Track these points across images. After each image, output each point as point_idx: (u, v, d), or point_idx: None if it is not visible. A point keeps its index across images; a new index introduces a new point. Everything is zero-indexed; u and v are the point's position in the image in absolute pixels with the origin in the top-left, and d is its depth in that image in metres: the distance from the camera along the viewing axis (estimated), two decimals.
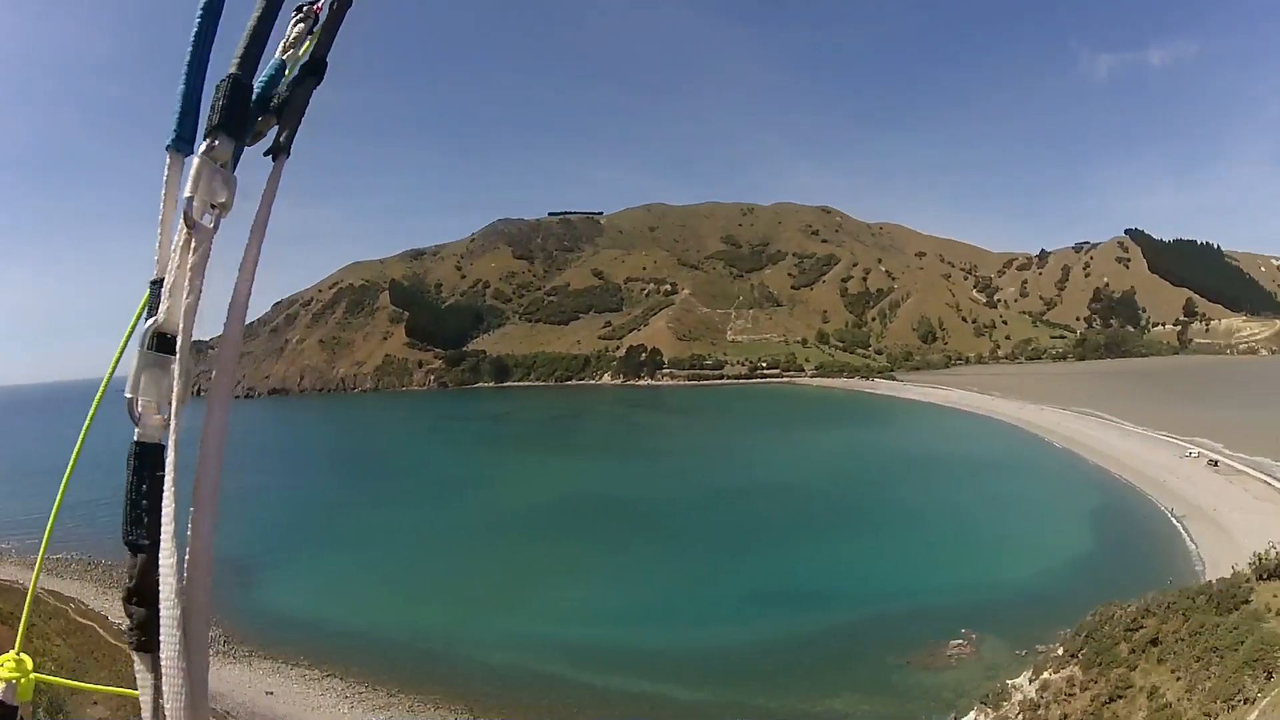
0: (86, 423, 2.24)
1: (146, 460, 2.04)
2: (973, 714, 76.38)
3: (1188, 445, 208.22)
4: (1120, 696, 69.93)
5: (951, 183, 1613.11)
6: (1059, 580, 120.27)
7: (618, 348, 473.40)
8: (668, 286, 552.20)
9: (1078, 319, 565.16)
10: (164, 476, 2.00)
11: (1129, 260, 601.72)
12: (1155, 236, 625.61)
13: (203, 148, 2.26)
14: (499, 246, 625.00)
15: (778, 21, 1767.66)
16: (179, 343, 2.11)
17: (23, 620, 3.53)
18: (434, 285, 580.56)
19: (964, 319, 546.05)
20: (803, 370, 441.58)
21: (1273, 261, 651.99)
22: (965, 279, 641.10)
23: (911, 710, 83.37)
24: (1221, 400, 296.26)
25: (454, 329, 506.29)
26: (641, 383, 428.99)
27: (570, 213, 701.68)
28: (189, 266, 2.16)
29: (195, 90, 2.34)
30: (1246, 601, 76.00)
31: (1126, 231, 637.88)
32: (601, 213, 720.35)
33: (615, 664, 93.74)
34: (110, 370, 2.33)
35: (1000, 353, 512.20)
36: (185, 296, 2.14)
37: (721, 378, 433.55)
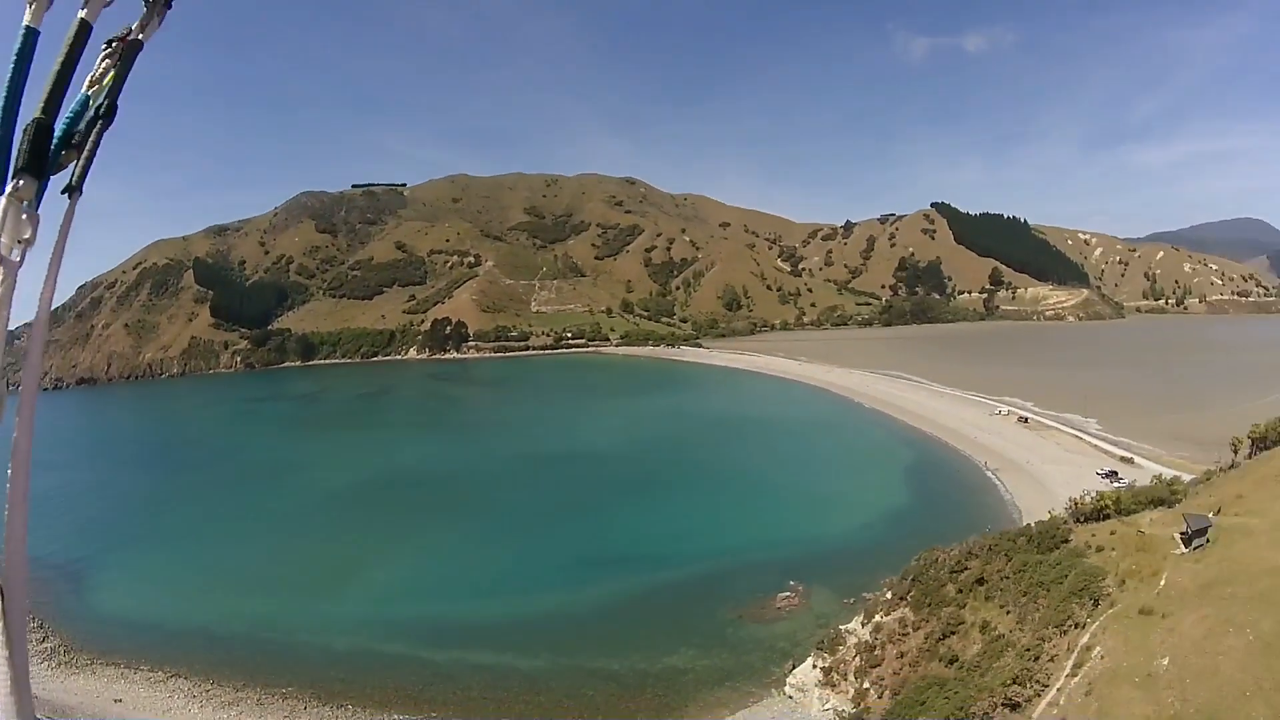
0: None
1: None
2: (810, 660, 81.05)
3: (997, 404, 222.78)
4: (953, 632, 71.20)
5: (759, 155, 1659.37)
6: (879, 532, 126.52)
7: (423, 321, 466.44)
8: (472, 258, 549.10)
9: (883, 287, 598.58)
10: None
11: (934, 231, 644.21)
12: (962, 210, 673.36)
13: (9, 188, 2.74)
14: (302, 220, 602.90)
15: None
16: None
17: None
18: (238, 262, 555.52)
19: (769, 287, 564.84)
20: (608, 340, 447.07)
21: (1080, 236, 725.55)
22: (770, 249, 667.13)
23: (749, 661, 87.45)
24: (1029, 362, 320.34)
25: (259, 307, 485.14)
26: (448, 356, 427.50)
27: (374, 185, 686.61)
28: None
29: (6, 134, 2.82)
30: (1066, 541, 79.48)
31: (933, 204, 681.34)
32: (405, 185, 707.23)
33: (455, 638, 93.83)
34: None
35: (806, 320, 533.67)
36: None
37: (527, 349, 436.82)
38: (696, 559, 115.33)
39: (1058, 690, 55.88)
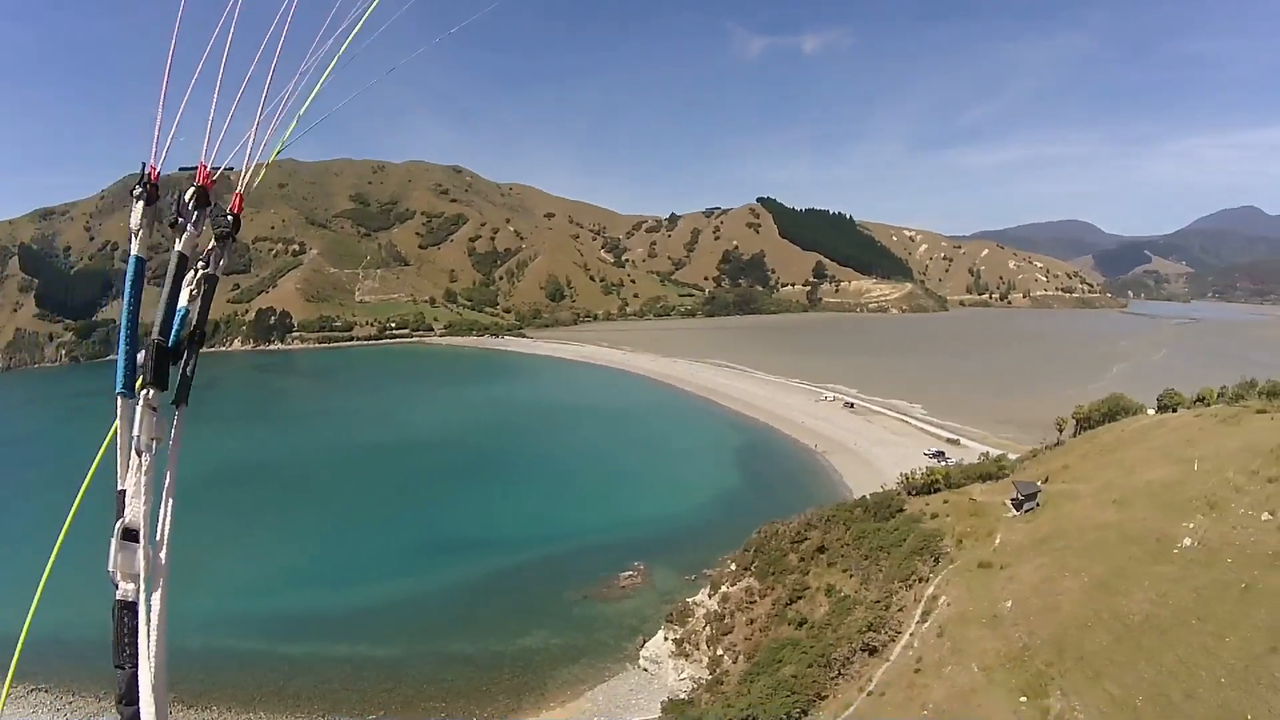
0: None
1: (125, 612, 3.45)
2: (660, 633, 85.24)
3: (823, 391, 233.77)
4: (799, 597, 75.57)
5: (586, 147, 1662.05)
6: (714, 512, 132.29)
7: (247, 311, 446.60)
8: (296, 246, 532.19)
9: (706, 279, 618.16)
10: (139, 624, 3.38)
11: (759, 225, 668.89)
12: (788, 205, 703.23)
13: (143, 398, 3.76)
14: (130, 204, 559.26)
15: None
16: (141, 537, 3.54)
17: (8, 680, 4.39)
18: (63, 249, 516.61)
19: (592, 278, 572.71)
20: (432, 329, 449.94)
21: (906, 232, 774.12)
22: (594, 240, 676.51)
23: (601, 639, 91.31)
24: (853, 351, 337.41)
25: (84, 297, 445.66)
26: (273, 347, 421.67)
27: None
28: (143, 484, 3.64)
29: (132, 350, 3.84)
30: (901, 510, 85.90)
31: (759, 199, 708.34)
32: (233, 168, 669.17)
33: (310, 631, 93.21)
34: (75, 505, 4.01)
35: (629, 310, 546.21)
36: (143, 504, 3.62)
37: (351, 339, 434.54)
38: (538, 543, 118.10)
39: (910, 635, 60.63)
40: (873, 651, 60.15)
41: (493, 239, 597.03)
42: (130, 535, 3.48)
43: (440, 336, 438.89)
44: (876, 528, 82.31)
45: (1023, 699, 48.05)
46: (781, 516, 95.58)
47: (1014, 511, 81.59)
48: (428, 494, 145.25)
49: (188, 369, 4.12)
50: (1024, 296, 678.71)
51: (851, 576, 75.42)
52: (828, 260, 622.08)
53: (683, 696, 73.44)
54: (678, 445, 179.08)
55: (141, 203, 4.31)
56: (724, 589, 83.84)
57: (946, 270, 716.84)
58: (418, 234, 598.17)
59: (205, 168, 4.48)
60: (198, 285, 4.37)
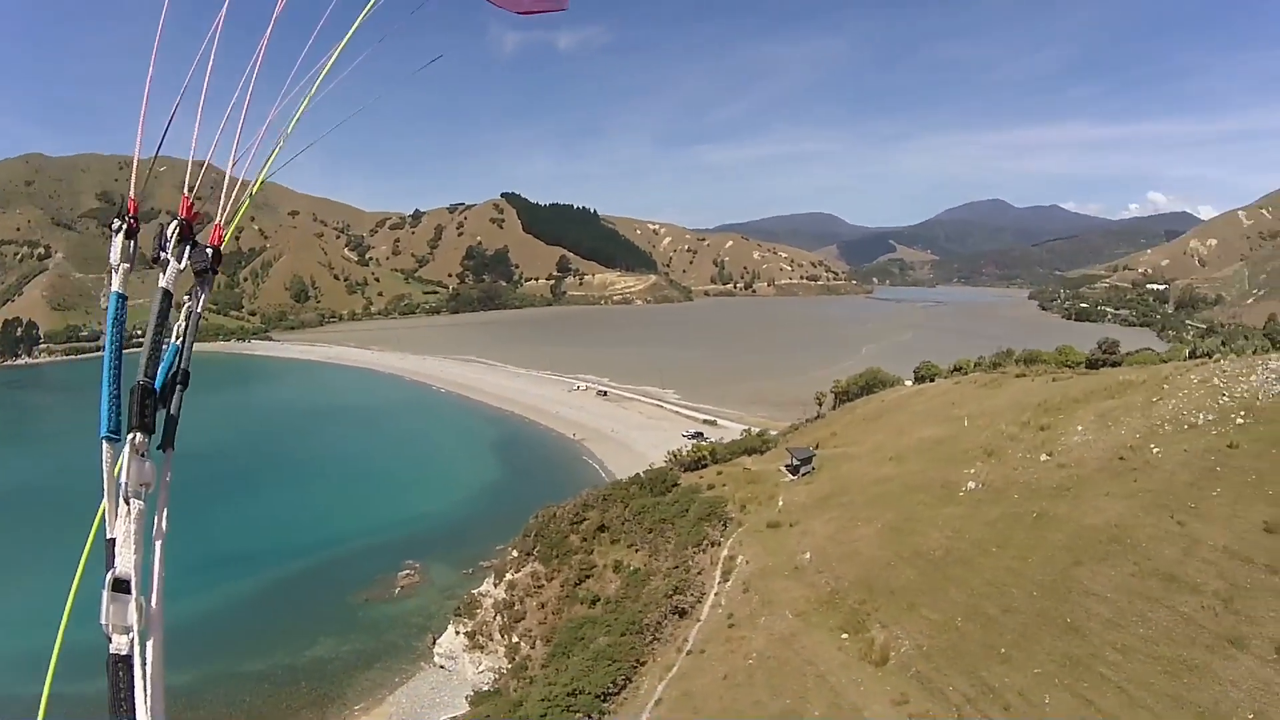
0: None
1: (119, 666, 3.32)
2: (451, 628, 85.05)
3: (575, 381, 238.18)
4: (588, 576, 76.81)
5: (331, 141, 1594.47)
6: (480, 505, 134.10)
7: None
8: (41, 250, 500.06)
9: (450, 275, 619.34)
10: (134, 677, 3.28)
11: (503, 220, 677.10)
12: (532, 200, 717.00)
13: (129, 443, 3.61)
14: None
15: None
16: (133, 587, 3.44)
17: (44, 698, 4.02)
18: None
19: (337, 277, 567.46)
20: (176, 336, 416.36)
21: (650, 226, 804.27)
22: (338, 238, 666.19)
23: (390, 640, 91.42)
24: (602, 342, 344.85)
25: None
26: (20, 361, 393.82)
27: None
28: (132, 532, 3.53)
29: (115, 394, 3.65)
30: (676, 484, 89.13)
31: (503, 194, 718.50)
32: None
33: (85, 665, 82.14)
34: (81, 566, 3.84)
35: (374, 309, 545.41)
36: (133, 553, 3.50)
37: (99, 350, 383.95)
38: (310, 549, 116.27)
39: (716, 594, 62.63)
40: (682, 614, 61.66)
41: (237, 238, 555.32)
42: (121, 586, 3.41)
43: None
44: (656, 502, 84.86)
45: (844, 635, 50.83)
46: (545, 502, 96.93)
47: (791, 476, 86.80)
48: (190, 508, 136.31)
49: (173, 410, 3.97)
50: (769, 285, 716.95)
51: (638, 551, 77.09)
52: (572, 254, 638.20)
53: (486, 688, 73.78)
54: (436, 441, 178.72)
55: (120, 236, 4.06)
56: (509, 576, 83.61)
57: (691, 262, 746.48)
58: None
59: (188, 200, 4.38)
60: (183, 322, 4.25)
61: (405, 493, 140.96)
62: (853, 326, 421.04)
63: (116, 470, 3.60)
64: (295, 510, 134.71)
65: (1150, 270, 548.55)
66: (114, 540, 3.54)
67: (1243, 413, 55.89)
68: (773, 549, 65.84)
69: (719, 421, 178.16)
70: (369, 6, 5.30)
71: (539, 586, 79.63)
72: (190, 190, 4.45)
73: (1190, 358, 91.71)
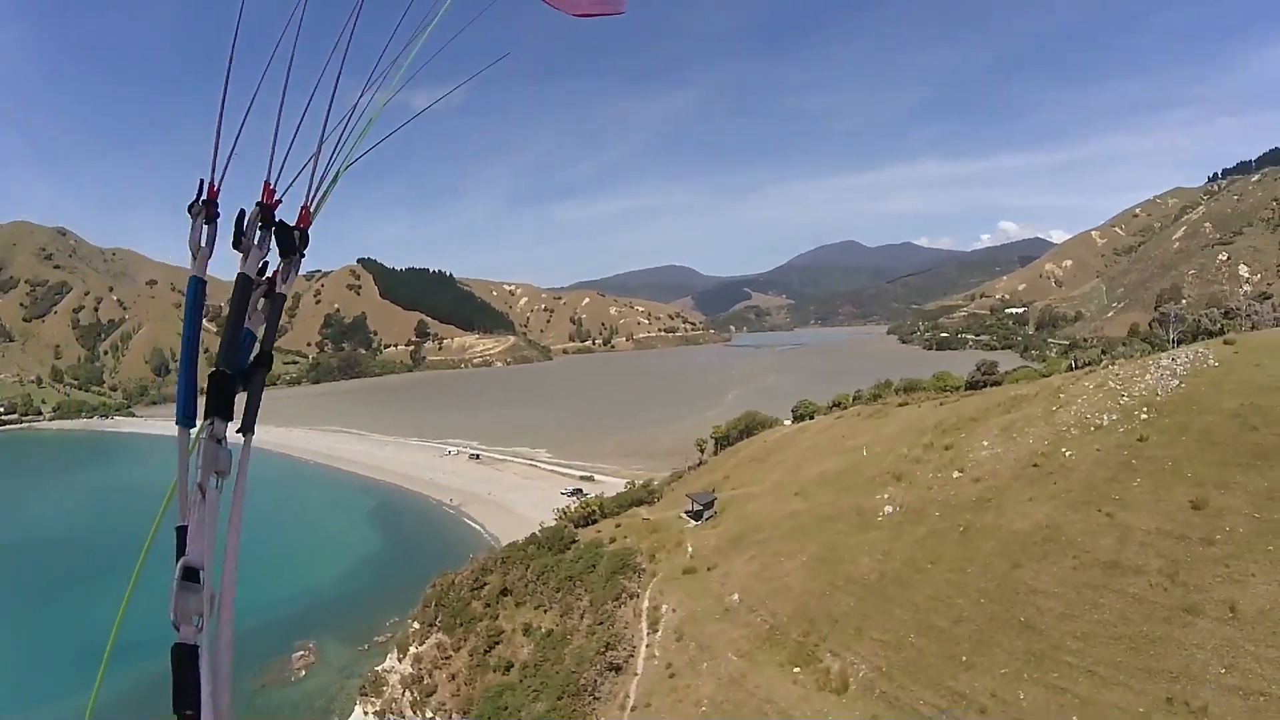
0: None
1: (185, 656, 3.23)
2: (358, 708, 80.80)
3: (445, 446, 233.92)
4: (497, 643, 73.54)
5: (182, 206, 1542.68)
6: (364, 579, 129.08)
7: None
8: None
9: (309, 344, 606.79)
10: (200, 670, 3.21)
11: (360, 287, 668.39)
12: (388, 265, 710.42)
13: (207, 430, 3.56)
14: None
15: None
16: (204, 576, 3.36)
17: (93, 694, 4.12)
18: None
19: None
20: (40, 414, 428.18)
21: (506, 286, 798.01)
22: None
23: None
24: (467, 406, 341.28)
25: None
26: None
27: None
28: (205, 519, 3.46)
29: (191, 381, 3.67)
30: (574, 541, 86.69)
31: (359, 260, 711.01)
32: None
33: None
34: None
35: None
36: (204, 541, 3.41)
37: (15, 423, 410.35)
38: None
39: (647, 646, 60.58)
40: (617, 669, 59.37)
41: (96, 309, 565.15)
42: (191, 575, 3.35)
43: (50, 421, 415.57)
44: (557, 560, 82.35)
45: (795, 669, 49.97)
46: (431, 571, 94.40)
47: (693, 522, 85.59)
48: (55, 599, 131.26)
49: (255, 396, 3.94)
50: (627, 340, 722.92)
51: (547, 611, 74.28)
52: (430, 319, 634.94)
53: None
54: (312, 515, 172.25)
55: (200, 220, 3.95)
56: (414, 649, 79.56)
57: (548, 321, 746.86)
58: (22, 304, 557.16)
59: (269, 186, 4.17)
60: (265, 307, 4.14)
61: (286, 569, 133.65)
62: (715, 374, 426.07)
63: (190, 456, 3.60)
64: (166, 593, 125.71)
65: (1008, 295, 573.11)
66: (185, 528, 3.45)
67: (1145, 409, 58.85)
68: (696, 594, 64.52)
69: (596, 476, 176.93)
70: None
71: (446, 657, 75.77)
72: (272, 177, 4.13)
73: (1073, 369, 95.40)
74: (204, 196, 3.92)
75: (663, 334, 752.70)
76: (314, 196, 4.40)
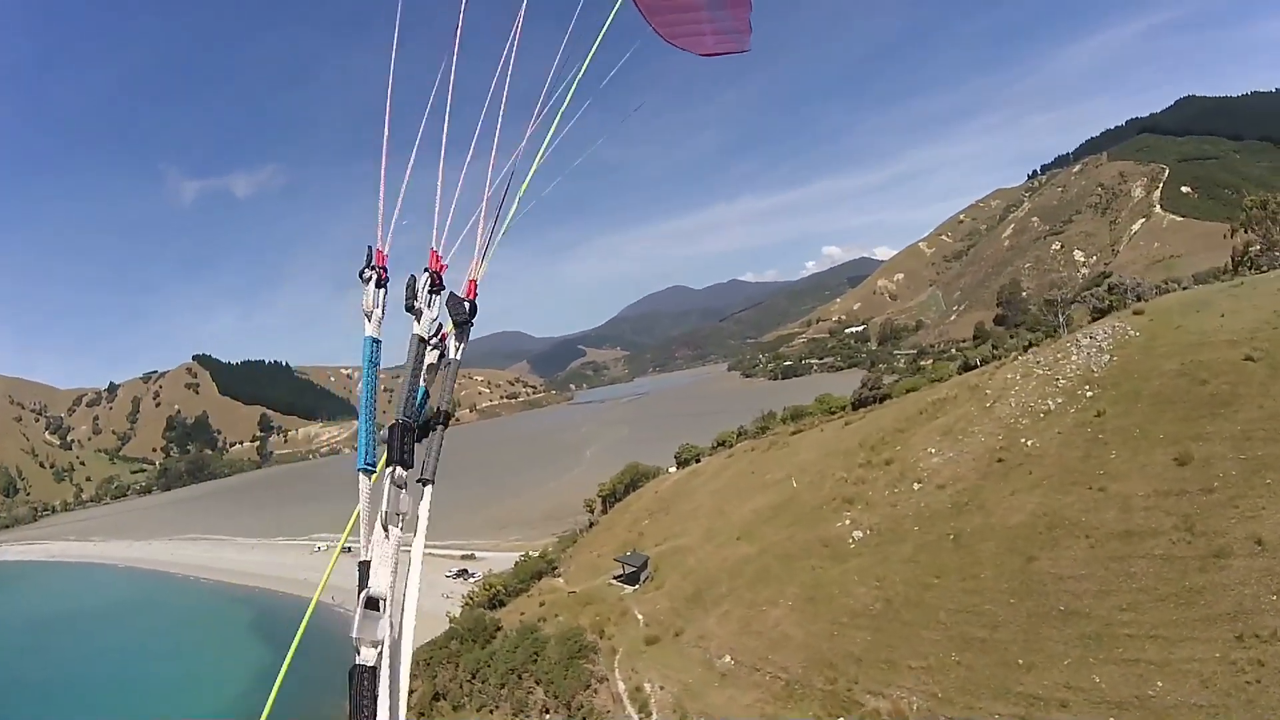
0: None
1: (365, 677, 3.48)
2: None
3: (314, 542, 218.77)
4: None
5: (18, 314, 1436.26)
6: (257, 700, 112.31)
7: None
8: None
9: (154, 449, 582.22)
10: (378, 692, 3.46)
11: (199, 385, 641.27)
12: (223, 360, 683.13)
13: (390, 475, 3.87)
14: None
15: None
16: (386, 606, 3.61)
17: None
18: None
19: (42, 465, 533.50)
20: None
21: (342, 371, 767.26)
22: (37, 420, 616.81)
23: None
24: (325, 497, 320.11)
25: None
26: None
27: None
28: (389, 556, 3.74)
29: (371, 430, 3.99)
30: (499, 628, 79.15)
31: (195, 357, 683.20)
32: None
33: None
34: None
35: (85, 496, 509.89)
36: (388, 577, 3.69)
37: None
38: None
39: None
40: None
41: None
42: (373, 604, 3.64)
43: None
44: (489, 652, 74.50)
45: (841, 718, 47.13)
46: (333, 676, 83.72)
47: (629, 586, 79.48)
48: None
49: (435, 448, 4.31)
50: (470, 411, 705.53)
51: (494, 711, 65.94)
52: (272, 411, 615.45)
53: None
54: (189, 635, 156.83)
55: (371, 285, 4.37)
56: None
57: (389, 401, 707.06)
58: None
59: (436, 253, 4.68)
60: (439, 369, 4.60)
61: (178, 699, 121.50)
62: (567, 434, 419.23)
63: (373, 499, 3.88)
64: None
65: (844, 316, 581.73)
66: (368, 563, 3.76)
67: (1086, 386, 59.64)
68: (676, 665, 59.09)
69: (476, 554, 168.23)
70: (587, 56, 5.50)
71: None
72: (438, 243, 4.67)
73: (966, 369, 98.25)
74: (373, 262, 4.33)
75: (505, 400, 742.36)
76: (478, 265, 4.82)
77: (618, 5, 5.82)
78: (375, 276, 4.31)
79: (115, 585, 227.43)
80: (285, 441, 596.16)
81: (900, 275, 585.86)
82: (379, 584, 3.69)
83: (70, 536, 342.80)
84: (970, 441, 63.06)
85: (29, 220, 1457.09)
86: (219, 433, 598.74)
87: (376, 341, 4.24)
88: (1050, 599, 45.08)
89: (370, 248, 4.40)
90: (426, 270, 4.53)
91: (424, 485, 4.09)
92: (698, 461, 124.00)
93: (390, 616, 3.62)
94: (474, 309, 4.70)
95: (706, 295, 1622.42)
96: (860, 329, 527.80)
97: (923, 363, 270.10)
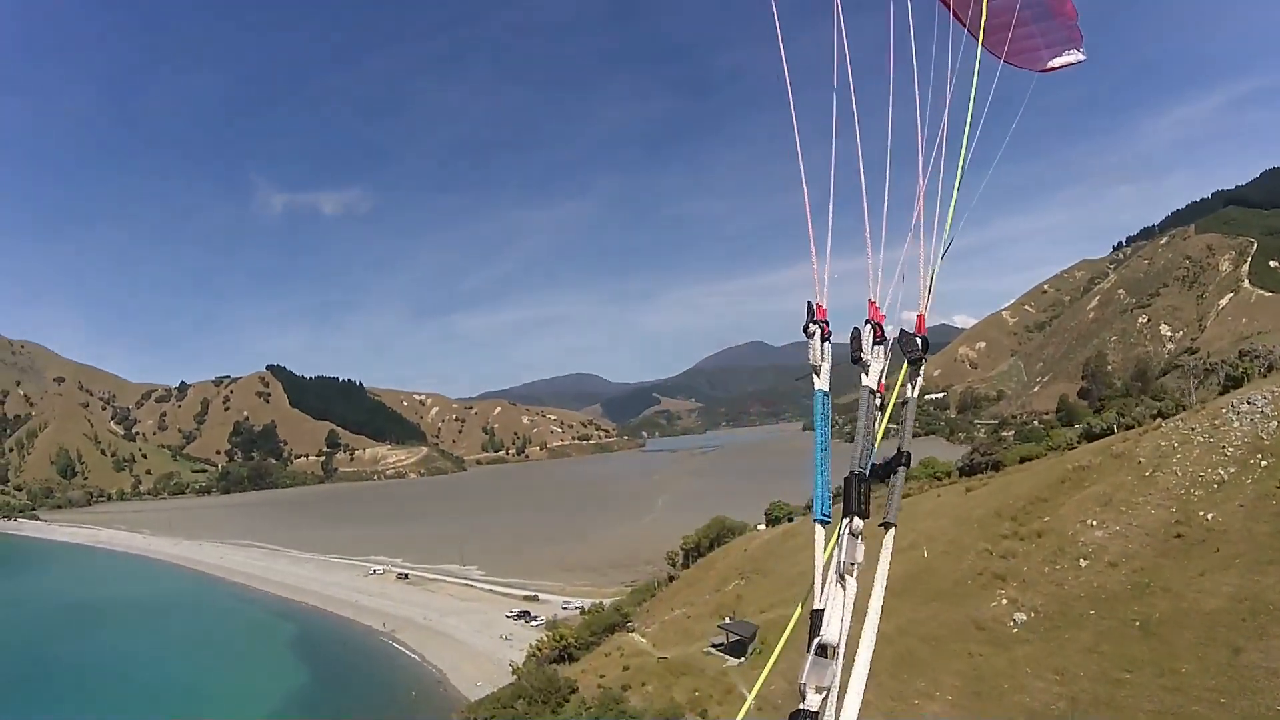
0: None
1: None
2: None
3: (369, 564, 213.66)
4: None
5: (98, 307, 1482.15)
6: None
7: None
8: None
9: (218, 452, 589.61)
10: None
11: (269, 394, 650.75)
12: (297, 373, 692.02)
13: (847, 525, 4.01)
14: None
15: None
16: (836, 653, 3.64)
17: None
18: None
19: (104, 452, 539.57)
20: None
21: (416, 396, 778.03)
22: (104, 409, 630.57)
23: None
24: (384, 520, 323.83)
25: None
26: None
27: None
28: (841, 605, 3.79)
29: (827, 482, 4.14)
30: (574, 690, 69.50)
31: (269, 367, 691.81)
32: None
33: None
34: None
35: (143, 488, 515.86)
36: (839, 624, 3.73)
37: None
38: None
39: None
40: None
41: (2, 403, 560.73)
42: (824, 652, 3.66)
43: None
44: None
45: None
46: (367, 712, 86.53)
47: (732, 659, 70.06)
48: None
49: (894, 492, 4.34)
50: (541, 449, 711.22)
51: None
52: (340, 429, 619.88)
53: None
54: (226, 644, 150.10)
55: (816, 339, 4.63)
56: None
57: (460, 431, 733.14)
58: None
59: (874, 304, 4.93)
60: (893, 414, 4.86)
61: (186, 708, 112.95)
62: (637, 480, 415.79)
63: (828, 550, 4.00)
64: None
65: (924, 381, 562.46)
66: (820, 611, 3.80)
67: (1259, 455, 55.19)
68: None
69: (540, 596, 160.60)
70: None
71: None
72: (874, 294, 4.96)
73: (1089, 439, 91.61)
74: (814, 316, 4.62)
75: (576, 442, 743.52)
76: (925, 302, 5.09)
77: (979, 56, 5.90)
78: (819, 331, 4.56)
79: (156, 580, 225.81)
80: (351, 460, 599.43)
81: (982, 344, 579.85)
82: (831, 632, 3.68)
83: (120, 525, 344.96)
84: (1138, 514, 57.25)
85: (116, 216, 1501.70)
86: (285, 443, 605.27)
87: (826, 395, 4.50)
88: (1266, 697, 39.27)
89: (810, 303, 4.66)
90: (868, 322, 4.80)
91: (886, 529, 4.18)
92: (790, 520, 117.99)
93: (837, 664, 3.60)
94: (926, 344, 4.81)
95: (785, 353, 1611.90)
96: (939, 396, 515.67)
97: (1003, 433, 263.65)
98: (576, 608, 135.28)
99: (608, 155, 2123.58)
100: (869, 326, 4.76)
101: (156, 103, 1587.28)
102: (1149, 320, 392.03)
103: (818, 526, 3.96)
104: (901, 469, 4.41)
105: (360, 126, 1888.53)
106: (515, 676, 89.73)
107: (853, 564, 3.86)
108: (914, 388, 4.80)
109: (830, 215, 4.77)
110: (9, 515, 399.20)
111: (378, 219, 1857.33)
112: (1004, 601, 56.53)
